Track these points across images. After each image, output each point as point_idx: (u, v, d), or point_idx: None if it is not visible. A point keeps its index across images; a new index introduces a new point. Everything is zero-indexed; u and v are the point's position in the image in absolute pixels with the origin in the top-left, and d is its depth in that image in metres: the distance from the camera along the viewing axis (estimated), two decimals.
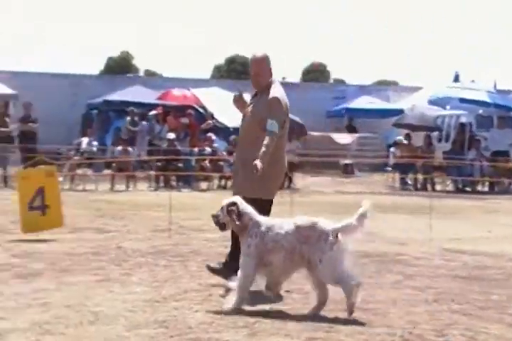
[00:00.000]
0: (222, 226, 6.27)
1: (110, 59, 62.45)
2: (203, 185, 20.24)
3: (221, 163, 20.84)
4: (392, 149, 23.57)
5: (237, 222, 6.13)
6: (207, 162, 20.47)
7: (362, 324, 5.69)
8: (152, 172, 20.22)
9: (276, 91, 7.12)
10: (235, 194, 6.79)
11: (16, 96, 26.30)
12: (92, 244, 9.47)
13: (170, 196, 11.07)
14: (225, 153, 21.39)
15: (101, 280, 7.15)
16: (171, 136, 20.52)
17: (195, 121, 23.29)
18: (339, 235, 5.96)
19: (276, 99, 7.03)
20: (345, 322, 5.71)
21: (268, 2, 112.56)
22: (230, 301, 6.05)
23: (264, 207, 6.77)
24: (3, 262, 8.00)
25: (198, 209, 14.30)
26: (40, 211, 9.88)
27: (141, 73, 60.79)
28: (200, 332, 5.35)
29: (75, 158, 20.48)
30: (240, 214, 6.15)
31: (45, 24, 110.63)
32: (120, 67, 58.99)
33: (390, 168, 23.21)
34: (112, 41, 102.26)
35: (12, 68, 35.01)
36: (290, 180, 20.06)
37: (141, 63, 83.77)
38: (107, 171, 20.70)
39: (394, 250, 9.56)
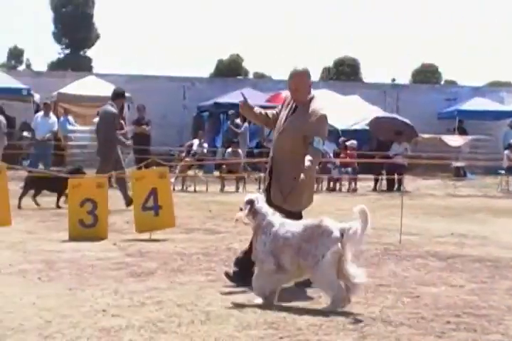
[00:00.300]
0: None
1: (220, 62, 63.25)
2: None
3: (329, 165, 20.78)
4: (506, 152, 22.96)
5: (251, 220, 6.39)
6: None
7: (475, 330, 5.57)
8: (261, 174, 20.35)
9: (321, 107, 7.09)
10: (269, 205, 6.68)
11: (130, 99, 26.97)
12: (203, 244, 9.62)
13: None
14: (332, 156, 21.34)
15: (212, 281, 7.24)
16: None
17: None
18: (345, 235, 6.08)
19: (325, 117, 7.04)
20: (457, 328, 5.61)
21: (379, 3, 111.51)
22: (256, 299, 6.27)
23: (294, 217, 6.74)
24: (119, 261, 8.22)
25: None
26: (153, 211, 10.09)
27: (251, 75, 61.35)
28: (310, 334, 5.36)
29: (186, 159, 20.85)
30: (255, 212, 6.38)
31: (158, 28, 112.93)
32: (230, 70, 59.69)
33: (503, 171, 22.61)
34: (221, 44, 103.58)
35: (127, 71, 35.98)
36: (400, 182, 19.83)
37: (251, 65, 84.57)
38: (217, 173, 20.96)
39: (508, 255, 9.30)
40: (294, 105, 7.24)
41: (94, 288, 6.75)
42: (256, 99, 28.40)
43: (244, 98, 7.47)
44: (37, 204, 13.70)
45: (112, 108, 13.36)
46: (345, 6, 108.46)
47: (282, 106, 7.41)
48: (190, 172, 20.40)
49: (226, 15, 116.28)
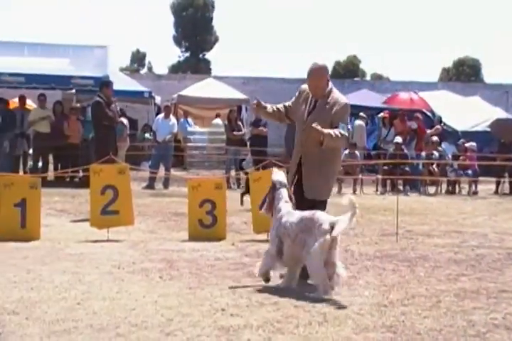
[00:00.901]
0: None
1: (337, 63, 63.10)
2: (431, 189, 19.91)
3: (447, 167, 20.40)
4: None
5: (268, 203, 7.03)
6: (435, 166, 20.12)
7: None
8: (379, 176, 20.19)
9: (341, 96, 7.36)
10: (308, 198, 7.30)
11: (247, 101, 27.27)
12: None
13: (397, 200, 11.00)
14: (450, 157, 20.95)
15: None
16: (399, 139, 20.33)
17: (423, 125, 22.94)
18: (335, 227, 6.49)
19: (348, 106, 7.34)
20: None
21: (501, 2, 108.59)
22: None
23: (323, 205, 7.30)
24: (237, 261, 8.33)
25: (426, 214, 14.12)
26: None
27: (368, 77, 60.94)
28: (429, 338, 5.30)
29: None
30: (273, 197, 7.00)
31: (275, 30, 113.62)
32: (347, 71, 59.48)
33: None
34: (339, 45, 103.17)
35: (245, 74, 36.37)
36: None
37: (369, 67, 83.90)
38: None
39: None
40: (313, 100, 7.36)
41: (213, 287, 6.87)
42: (373, 100, 28.30)
43: (258, 100, 7.57)
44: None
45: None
46: (466, 5, 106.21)
47: (298, 100, 7.49)
48: None
49: (343, 16, 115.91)
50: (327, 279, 6.51)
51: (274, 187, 7.06)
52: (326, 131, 6.98)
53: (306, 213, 6.76)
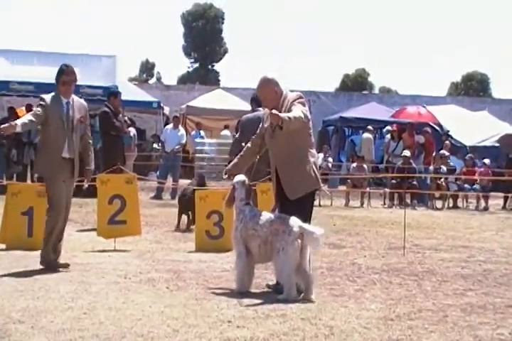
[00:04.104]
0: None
1: (346, 76, 63.17)
2: (438, 203, 19.87)
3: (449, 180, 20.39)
4: None
5: (231, 204, 7.26)
6: (443, 180, 20.09)
7: None
8: (387, 190, 20.15)
9: (292, 95, 7.46)
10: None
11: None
12: (328, 259, 9.61)
13: (404, 214, 10.98)
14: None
15: (335, 295, 7.23)
16: (407, 153, 20.29)
17: (432, 139, 22.91)
18: (304, 234, 6.81)
19: (299, 95, 7.45)
20: None
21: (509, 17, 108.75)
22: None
23: (308, 199, 7.46)
24: None
25: (433, 228, 14.08)
26: None
27: (377, 90, 60.97)
28: None
29: None
30: (233, 197, 7.25)
31: (283, 42, 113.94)
32: (356, 84, 59.52)
33: None
34: (348, 58, 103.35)
35: (253, 85, 36.40)
36: None
37: (377, 80, 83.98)
38: (341, 187, 20.91)
39: None
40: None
41: (220, 298, 6.86)
42: (381, 114, 28.31)
43: (225, 171, 7.82)
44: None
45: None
46: (476, 21, 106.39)
47: (263, 123, 7.67)
48: None
49: (352, 29, 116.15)
50: (293, 278, 6.82)
51: (234, 188, 7.31)
52: (283, 115, 7.08)
53: (276, 217, 7.07)
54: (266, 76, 7.59)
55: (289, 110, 7.29)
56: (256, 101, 10.24)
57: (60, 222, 8.34)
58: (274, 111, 7.05)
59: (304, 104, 7.44)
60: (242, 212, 7.21)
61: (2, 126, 7.97)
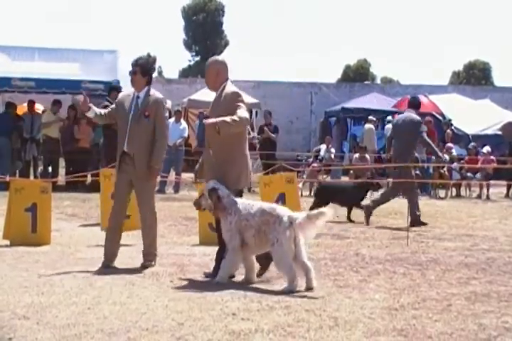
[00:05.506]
0: (202, 210, 7.74)
1: (347, 67, 63.05)
2: (441, 192, 19.86)
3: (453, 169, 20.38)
4: None
5: (219, 204, 7.17)
6: (445, 169, 20.08)
7: None
8: (389, 180, 20.10)
9: (231, 88, 7.60)
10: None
11: (258, 104, 27.28)
12: (331, 249, 9.62)
13: (407, 203, 10.97)
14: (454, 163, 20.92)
15: (339, 286, 7.23)
16: None
17: (434, 128, 22.88)
18: (294, 223, 6.85)
19: (236, 94, 7.54)
20: None
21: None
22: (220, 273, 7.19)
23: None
24: None
25: (436, 217, 14.08)
26: None
27: (378, 80, 60.87)
28: None
29: (314, 165, 20.87)
30: (221, 197, 7.19)
31: (285, 34, 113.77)
32: (357, 75, 59.41)
33: None
34: (349, 49, 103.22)
35: (255, 78, 36.38)
36: None
37: (379, 70, 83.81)
38: (344, 178, 20.91)
39: None
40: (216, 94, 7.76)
41: (224, 291, 6.86)
42: (383, 104, 28.30)
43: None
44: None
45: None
46: (477, 9, 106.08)
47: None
48: (319, 178, 20.37)
49: (353, 19, 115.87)
50: (294, 269, 6.85)
51: (214, 190, 7.25)
52: (220, 119, 7.17)
53: (266, 207, 7.14)
54: (212, 58, 7.91)
55: (230, 108, 7.37)
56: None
57: (118, 214, 8.35)
58: (209, 121, 7.22)
59: (244, 106, 7.57)
60: (234, 205, 7.20)
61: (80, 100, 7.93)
